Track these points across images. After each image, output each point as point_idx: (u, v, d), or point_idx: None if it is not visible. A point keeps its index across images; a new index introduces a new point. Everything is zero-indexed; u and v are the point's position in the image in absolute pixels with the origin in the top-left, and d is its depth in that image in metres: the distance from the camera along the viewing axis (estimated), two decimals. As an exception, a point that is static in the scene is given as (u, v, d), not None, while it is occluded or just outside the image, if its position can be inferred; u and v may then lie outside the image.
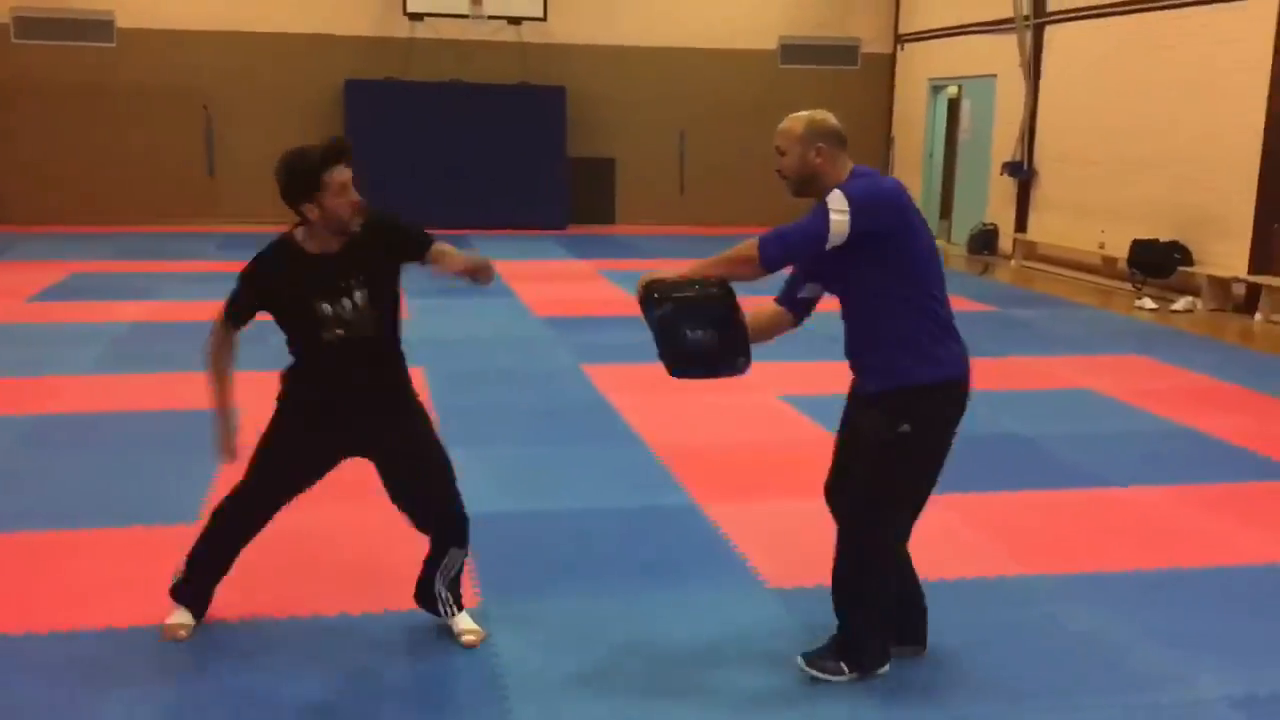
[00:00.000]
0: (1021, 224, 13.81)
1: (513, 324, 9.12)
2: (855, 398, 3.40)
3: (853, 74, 16.97)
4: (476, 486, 5.01)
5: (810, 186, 3.20)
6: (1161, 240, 11.05)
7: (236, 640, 3.57)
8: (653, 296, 3.16)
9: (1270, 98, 9.99)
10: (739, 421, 6.34)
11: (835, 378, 7.32)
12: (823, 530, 4.58)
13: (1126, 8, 11.85)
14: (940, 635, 3.60)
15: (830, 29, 16.82)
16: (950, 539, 4.59)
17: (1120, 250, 11.55)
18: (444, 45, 15.78)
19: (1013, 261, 13.61)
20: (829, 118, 3.27)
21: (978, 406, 6.51)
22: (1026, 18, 13.32)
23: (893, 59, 16.96)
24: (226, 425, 3.52)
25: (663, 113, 16.57)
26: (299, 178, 3.26)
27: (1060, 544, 4.58)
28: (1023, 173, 13.63)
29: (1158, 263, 10.93)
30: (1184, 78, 11.03)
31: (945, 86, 15.89)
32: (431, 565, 3.61)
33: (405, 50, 15.70)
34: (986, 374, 7.52)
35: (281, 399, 3.54)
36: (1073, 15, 12.79)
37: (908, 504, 3.31)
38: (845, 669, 3.33)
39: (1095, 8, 12.36)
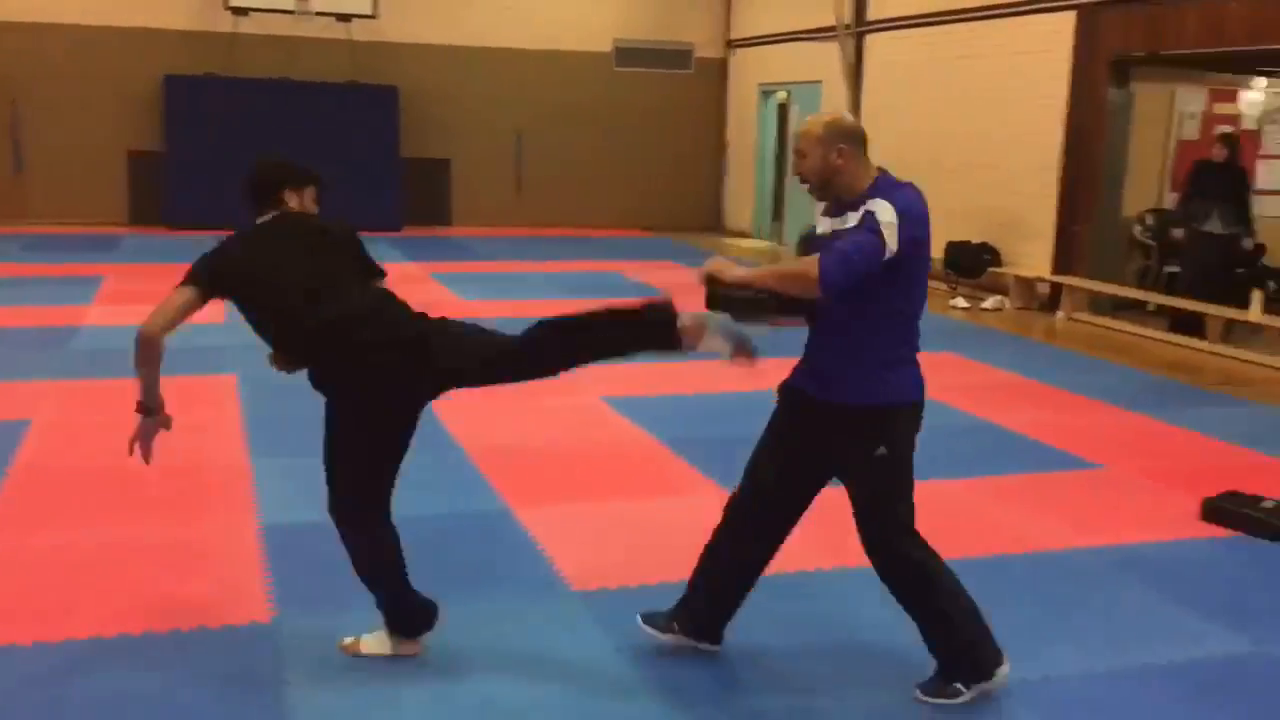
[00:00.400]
0: (847, 226, 14.22)
1: (336, 328, 8.91)
2: (808, 403, 3.30)
3: (687, 78, 17.20)
4: (281, 497, 4.92)
5: (831, 188, 3.18)
6: (973, 242, 11.55)
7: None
8: (710, 292, 3.19)
9: (1069, 106, 10.56)
10: (559, 423, 6.34)
11: (659, 379, 7.46)
12: (631, 531, 4.66)
13: (939, 18, 12.33)
14: (733, 632, 3.68)
15: (664, 33, 17.01)
16: (756, 536, 4.69)
17: (936, 251, 11.99)
18: (270, 41, 15.32)
19: (839, 262, 14.00)
20: (849, 117, 3.27)
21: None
22: (848, 26, 13.74)
23: (725, 64, 17.26)
24: None
25: (499, 114, 16.47)
26: (299, 172, 3.72)
27: (856, 538, 4.71)
28: (847, 176, 14.03)
29: (969, 264, 11.42)
30: (992, 86, 11.55)
31: (775, 91, 16.25)
32: None
33: (228, 46, 15.18)
34: (729, 376, 7.76)
35: None
36: (890, 25, 13.25)
37: (906, 512, 3.34)
38: (962, 688, 3.32)
39: (911, 18, 12.83)
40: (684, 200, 17.16)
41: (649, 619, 3.60)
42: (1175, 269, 10.24)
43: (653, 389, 7.12)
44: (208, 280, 3.28)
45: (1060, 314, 10.49)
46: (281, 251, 3.38)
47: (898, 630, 3.82)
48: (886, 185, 3.14)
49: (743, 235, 16.81)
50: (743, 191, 16.98)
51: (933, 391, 7.73)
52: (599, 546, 4.53)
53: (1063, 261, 10.69)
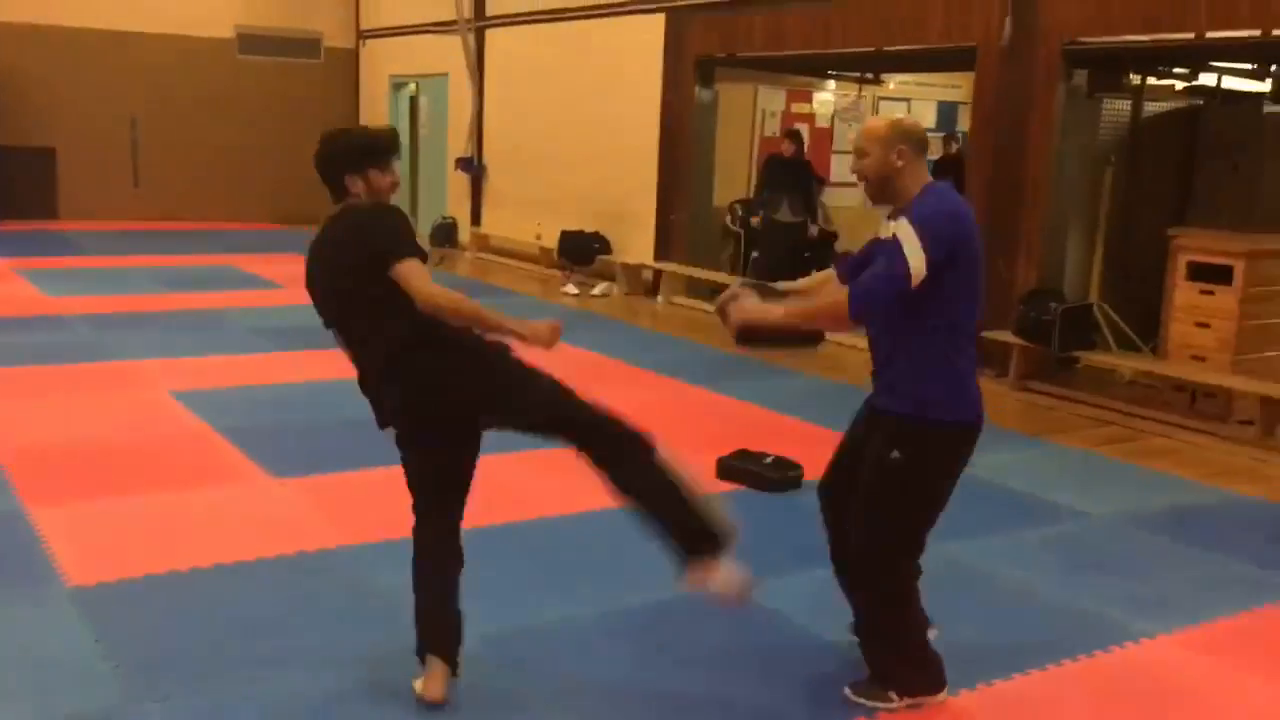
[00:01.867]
0: (476, 217, 14.47)
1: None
2: (871, 409, 3.32)
3: (316, 68, 16.86)
4: None
5: (888, 189, 3.15)
6: (586, 231, 12.07)
7: None
8: (742, 337, 3.27)
9: (663, 103, 11.23)
10: (116, 419, 6.12)
11: (229, 371, 7.31)
12: (155, 524, 4.60)
13: (551, 16, 12.77)
14: (248, 608, 3.73)
15: (290, 21, 16.57)
16: (283, 519, 4.75)
17: (549, 241, 12.45)
18: None
19: (468, 254, 14.22)
20: (913, 121, 3.27)
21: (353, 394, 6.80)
22: (469, 20, 13.95)
23: (356, 54, 17.06)
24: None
25: (111, 101, 15.49)
26: (357, 151, 3.24)
27: (386, 515, 4.84)
28: (473, 169, 14.28)
29: (581, 252, 11.93)
30: (600, 82, 12.11)
31: (406, 84, 16.24)
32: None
33: None
34: (313, 365, 7.84)
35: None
36: (508, 20, 13.58)
37: (902, 533, 3.24)
38: (895, 696, 3.31)
39: (526, 14, 13.20)
40: (317, 193, 16.71)
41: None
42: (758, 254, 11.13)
43: (222, 381, 7.02)
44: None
45: (659, 298, 11.16)
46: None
47: (393, 595, 3.99)
48: (924, 192, 3.14)
49: (380, 227, 16.68)
50: (378, 183, 16.83)
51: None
52: (114, 541, 4.43)
53: (662, 249, 11.38)
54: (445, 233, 14.74)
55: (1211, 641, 3.94)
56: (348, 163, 3.23)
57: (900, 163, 3.12)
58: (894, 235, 3.03)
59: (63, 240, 13.81)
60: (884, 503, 3.20)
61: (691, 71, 10.91)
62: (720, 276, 11.08)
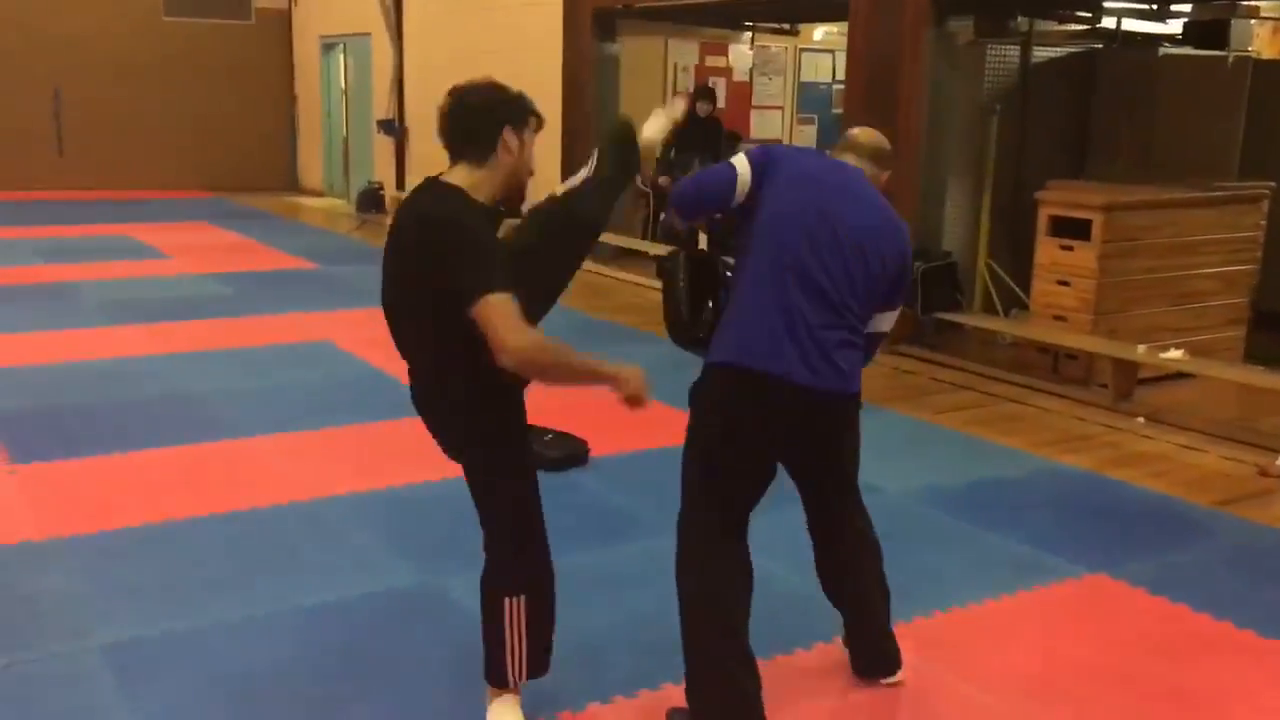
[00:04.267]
0: (401, 181, 14.09)
1: None
2: None
3: (247, 29, 16.44)
4: None
5: None
6: (495, 194, 11.62)
7: None
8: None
9: (564, 59, 10.78)
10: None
11: (34, 348, 6.94)
12: None
13: (460, -29, 12.31)
14: None
15: (220, -18, 16.18)
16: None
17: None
18: None
19: (390, 220, 13.81)
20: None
21: (201, 366, 6.46)
22: (385, -23, 13.52)
23: (288, 14, 16.63)
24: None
25: (32, 66, 15.15)
26: (515, 103, 2.72)
27: (96, 506, 4.52)
28: (395, 131, 13.87)
29: (488, 216, 11.51)
30: (504, 40, 11.67)
31: (336, 44, 15.82)
32: None
33: None
34: (239, 333, 7.54)
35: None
36: (423, -23, 13.14)
37: (694, 492, 2.92)
38: None
39: (435, -29, 12.75)
40: (253, 159, 16.45)
41: None
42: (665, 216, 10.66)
43: (19, 358, 6.70)
44: None
45: (559, 263, 10.72)
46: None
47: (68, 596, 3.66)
48: None
49: (316, 194, 16.34)
50: (312, 148, 16.48)
51: (357, 345, 7.48)
52: None
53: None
54: (371, 198, 14.38)
55: (926, 636, 3.55)
56: (510, 113, 2.70)
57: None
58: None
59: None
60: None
61: (589, 25, 10.44)
62: (634, 241, 10.66)
